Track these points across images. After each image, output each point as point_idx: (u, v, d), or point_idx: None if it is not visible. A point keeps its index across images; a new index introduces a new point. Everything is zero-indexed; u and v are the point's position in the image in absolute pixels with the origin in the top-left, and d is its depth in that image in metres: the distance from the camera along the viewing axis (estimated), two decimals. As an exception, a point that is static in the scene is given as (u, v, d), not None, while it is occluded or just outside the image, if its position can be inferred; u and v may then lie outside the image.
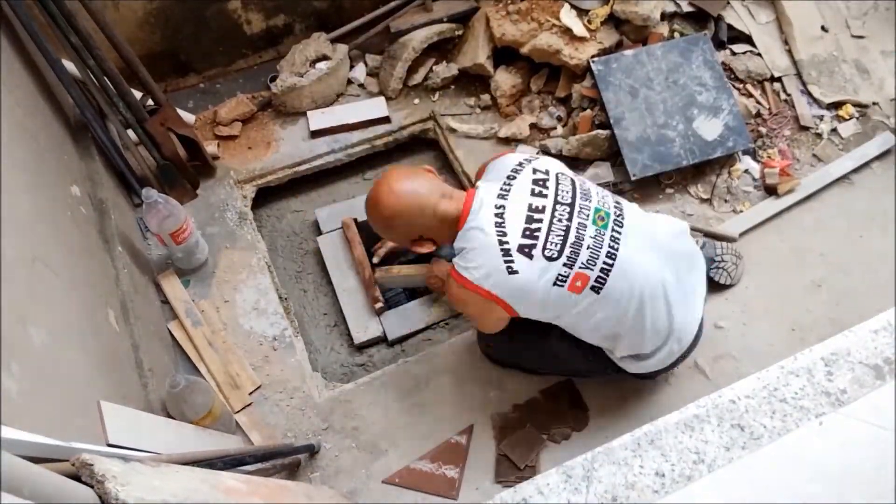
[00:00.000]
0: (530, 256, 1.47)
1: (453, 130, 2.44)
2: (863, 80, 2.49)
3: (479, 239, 1.50)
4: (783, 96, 2.44)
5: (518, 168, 1.58)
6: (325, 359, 2.12)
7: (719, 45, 2.42)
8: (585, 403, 1.87)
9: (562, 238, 1.49)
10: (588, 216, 1.52)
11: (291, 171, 2.37)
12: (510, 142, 2.39)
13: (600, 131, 2.25)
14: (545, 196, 1.52)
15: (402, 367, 1.96)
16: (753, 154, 2.33)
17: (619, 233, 1.53)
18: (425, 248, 1.64)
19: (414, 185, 1.58)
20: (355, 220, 2.24)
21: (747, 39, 2.46)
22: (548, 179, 1.56)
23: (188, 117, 2.34)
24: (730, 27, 2.45)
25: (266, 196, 2.40)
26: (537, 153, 2.35)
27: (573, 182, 1.58)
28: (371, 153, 2.46)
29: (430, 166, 1.72)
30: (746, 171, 2.30)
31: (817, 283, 2.10)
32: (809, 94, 2.44)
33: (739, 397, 1.27)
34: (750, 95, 2.41)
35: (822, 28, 2.52)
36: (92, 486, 0.78)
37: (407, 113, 2.48)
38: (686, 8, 2.40)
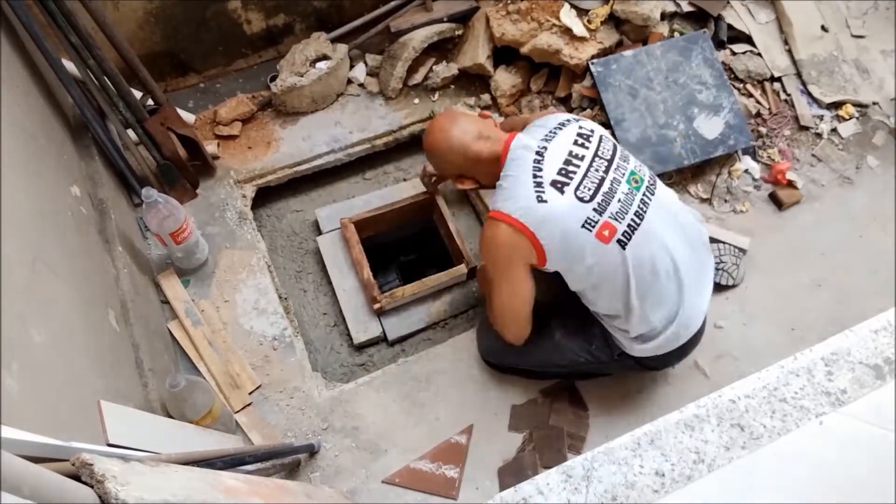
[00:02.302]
0: (562, 192, 1.51)
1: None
2: (863, 79, 2.49)
3: (514, 173, 1.56)
4: (783, 96, 2.44)
5: (565, 122, 1.63)
6: (324, 358, 2.12)
7: (719, 44, 2.42)
8: (585, 403, 1.87)
9: (596, 185, 1.53)
10: (624, 175, 1.57)
11: (291, 171, 2.37)
12: (510, 141, 2.39)
13: (600, 131, 2.25)
14: (587, 147, 1.58)
15: (402, 366, 1.96)
16: (753, 154, 2.33)
17: (650, 199, 1.58)
18: (466, 185, 1.74)
19: (453, 126, 1.68)
20: (353, 220, 2.25)
21: (747, 39, 2.46)
22: (591, 136, 1.61)
23: (188, 117, 2.34)
24: (730, 27, 2.45)
25: (266, 196, 2.40)
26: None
27: (615, 145, 1.64)
28: (371, 153, 2.46)
29: (487, 111, 1.85)
30: (746, 170, 2.30)
31: (817, 282, 2.10)
32: (809, 94, 2.45)
33: (739, 397, 1.27)
34: (750, 95, 2.41)
35: (822, 28, 2.52)
36: (92, 486, 0.78)
37: (407, 113, 2.48)
38: (686, 8, 2.40)
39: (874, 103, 2.46)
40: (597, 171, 1.54)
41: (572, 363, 1.82)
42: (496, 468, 1.77)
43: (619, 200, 1.53)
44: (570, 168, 1.53)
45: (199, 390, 1.62)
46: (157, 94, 2.06)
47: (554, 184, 1.51)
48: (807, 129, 2.40)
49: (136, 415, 1.46)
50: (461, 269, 2.15)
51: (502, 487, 1.73)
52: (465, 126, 1.67)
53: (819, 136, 2.40)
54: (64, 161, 1.79)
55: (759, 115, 2.38)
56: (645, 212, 1.55)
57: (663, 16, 2.37)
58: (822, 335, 1.45)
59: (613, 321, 1.67)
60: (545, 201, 1.50)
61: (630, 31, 2.35)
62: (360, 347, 2.12)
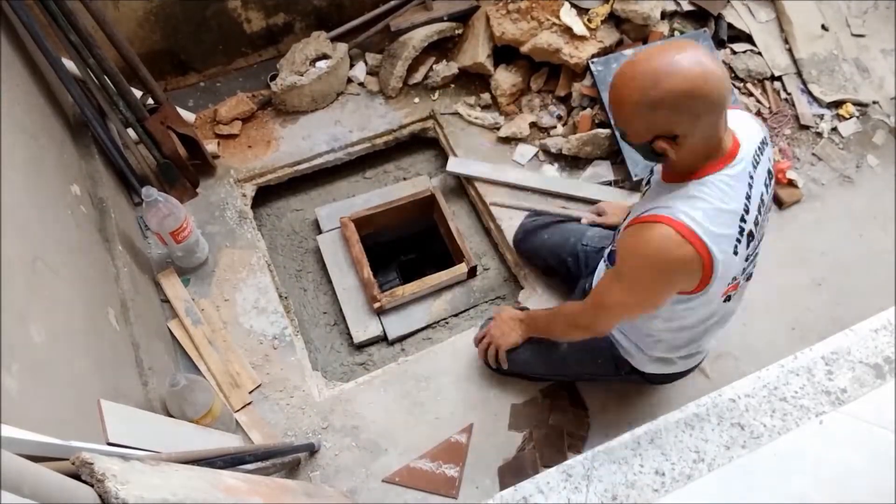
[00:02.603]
0: (747, 246, 1.29)
1: (459, 116, 2.43)
2: (863, 78, 2.49)
3: (726, 192, 1.23)
4: (783, 95, 2.44)
5: (763, 144, 1.33)
6: (324, 358, 2.12)
7: (719, 43, 2.42)
8: (585, 403, 1.87)
9: (757, 243, 1.35)
10: (765, 225, 1.39)
11: (291, 170, 2.37)
12: (510, 141, 2.39)
13: (600, 130, 2.25)
14: (767, 187, 1.33)
15: (402, 366, 1.96)
16: (754, 153, 2.33)
17: (758, 253, 1.42)
18: (667, 148, 1.21)
19: (726, 79, 1.16)
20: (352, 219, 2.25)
21: (747, 38, 2.46)
22: (771, 170, 1.36)
23: (188, 116, 2.34)
24: (730, 26, 2.45)
25: (266, 195, 2.40)
26: (537, 152, 2.35)
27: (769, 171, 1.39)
28: (371, 152, 2.46)
29: None
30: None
31: (818, 281, 2.10)
32: (809, 93, 2.44)
33: (739, 396, 1.27)
34: (750, 94, 2.41)
35: (823, 27, 2.52)
36: (92, 485, 0.78)
37: (407, 112, 2.48)
38: (686, 7, 2.40)
39: (874, 102, 2.46)
40: (761, 225, 1.34)
41: (576, 375, 1.84)
42: (496, 467, 1.77)
43: (750, 258, 1.36)
44: (760, 219, 1.31)
45: (199, 389, 1.62)
46: (157, 93, 2.06)
47: (749, 235, 1.27)
48: (807, 128, 2.40)
49: (136, 414, 1.46)
50: (461, 268, 2.15)
51: (502, 486, 1.73)
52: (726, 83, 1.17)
53: (819, 135, 2.40)
54: (64, 160, 1.79)
55: (759, 114, 2.38)
56: (754, 267, 1.42)
57: (663, 15, 2.37)
58: (822, 334, 1.45)
59: (651, 342, 1.57)
60: (736, 254, 1.26)
61: (630, 30, 2.35)
62: (360, 346, 2.12)
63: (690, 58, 1.12)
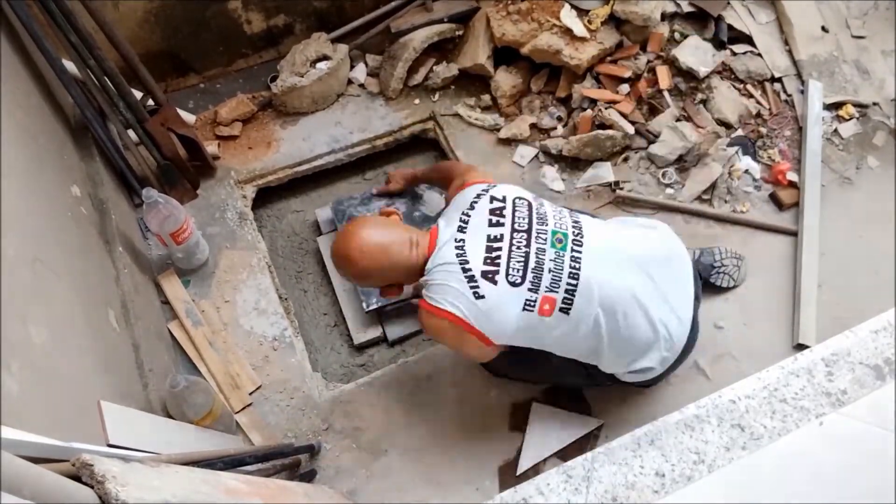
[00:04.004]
0: (494, 282, 1.49)
1: (459, 117, 2.44)
2: (863, 80, 2.49)
3: (444, 271, 1.52)
4: (783, 96, 2.44)
5: (476, 200, 1.61)
6: (325, 359, 2.12)
7: (720, 45, 2.42)
8: (588, 403, 1.87)
9: (522, 264, 1.51)
10: (546, 240, 1.54)
11: (292, 171, 2.37)
12: (511, 142, 2.39)
13: (601, 131, 2.25)
14: (502, 225, 1.55)
15: (402, 367, 1.96)
16: (754, 154, 2.33)
17: (580, 252, 1.54)
18: (394, 293, 1.70)
19: (383, 240, 1.59)
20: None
21: (747, 40, 2.46)
22: (504, 207, 1.58)
23: (188, 117, 2.34)
24: (730, 27, 2.44)
25: (266, 196, 2.40)
26: (537, 154, 2.35)
27: (530, 206, 1.60)
28: (371, 153, 2.46)
29: (391, 208, 1.77)
30: (747, 171, 2.30)
31: (818, 283, 2.10)
32: (810, 95, 2.44)
33: (740, 397, 1.27)
34: (750, 96, 2.41)
35: (823, 28, 2.52)
36: (92, 487, 0.78)
37: (407, 113, 2.48)
38: (686, 8, 2.40)
39: (874, 104, 2.45)
40: (518, 248, 1.52)
41: (572, 383, 1.85)
42: (496, 468, 1.77)
43: (550, 270, 1.51)
44: (493, 254, 1.51)
45: (200, 391, 1.62)
46: (157, 95, 2.06)
47: (484, 275, 1.49)
48: (807, 129, 2.40)
49: (136, 415, 1.46)
50: (461, 269, 2.15)
51: (502, 487, 1.73)
52: (397, 237, 1.59)
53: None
54: (64, 161, 1.79)
55: (759, 115, 2.38)
56: (578, 269, 1.52)
57: (664, 16, 2.37)
58: (822, 336, 1.45)
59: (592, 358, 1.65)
60: (482, 296, 1.48)
61: (630, 32, 2.35)
62: (361, 348, 2.12)
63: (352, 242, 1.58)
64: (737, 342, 1.98)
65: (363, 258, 1.57)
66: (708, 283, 2.02)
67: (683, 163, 2.27)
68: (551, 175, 2.31)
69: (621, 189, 2.25)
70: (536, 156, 2.36)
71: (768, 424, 1.22)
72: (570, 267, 1.52)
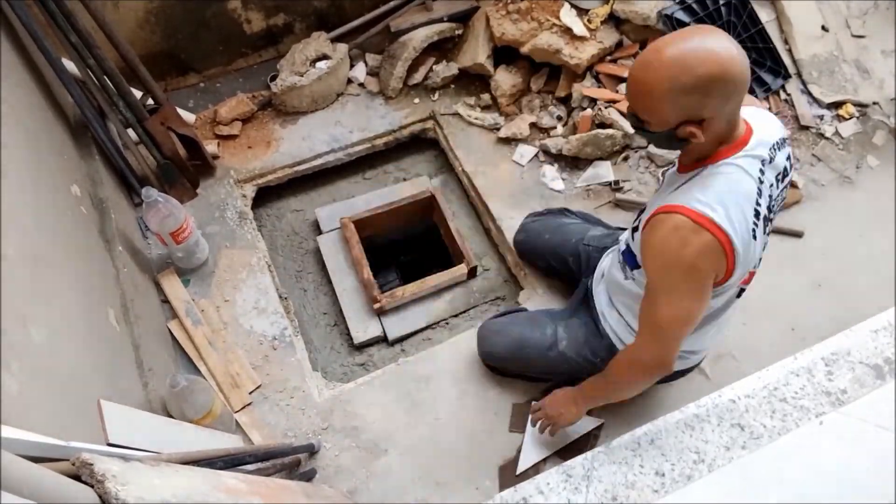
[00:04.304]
0: (764, 231, 1.30)
1: (459, 117, 2.43)
2: (863, 79, 2.49)
3: (736, 178, 1.24)
4: (783, 96, 2.44)
5: (780, 143, 1.33)
6: (325, 358, 2.12)
7: (719, 44, 2.41)
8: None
9: (769, 228, 1.35)
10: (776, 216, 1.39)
11: (291, 171, 2.37)
12: (510, 141, 2.39)
13: (600, 131, 2.25)
14: (781, 183, 1.35)
15: (401, 366, 1.96)
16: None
17: (766, 242, 1.39)
18: (695, 131, 1.20)
19: (748, 62, 1.17)
20: (352, 219, 2.25)
21: (747, 39, 2.46)
22: (788, 171, 1.36)
23: (188, 116, 2.34)
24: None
25: (266, 195, 2.40)
26: (537, 153, 2.35)
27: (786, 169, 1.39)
28: (371, 152, 2.46)
29: None
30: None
31: (818, 282, 2.10)
32: (810, 94, 2.44)
33: (739, 397, 1.27)
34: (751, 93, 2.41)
35: (823, 28, 2.52)
36: (92, 486, 0.78)
37: (407, 112, 2.48)
38: (686, 7, 2.40)
39: (874, 103, 2.46)
40: (774, 212, 1.35)
41: (576, 373, 1.78)
42: (496, 468, 1.77)
43: (764, 247, 1.35)
44: (773, 205, 1.33)
45: (200, 390, 1.62)
46: (157, 94, 2.06)
47: (765, 220, 1.28)
48: (807, 128, 2.40)
49: (136, 414, 1.46)
50: (461, 268, 2.15)
51: (502, 486, 1.73)
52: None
53: (819, 135, 2.40)
54: (64, 160, 1.79)
55: (759, 114, 2.38)
56: (761, 258, 1.38)
57: (663, 15, 2.37)
58: (822, 335, 1.45)
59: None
60: (755, 238, 1.26)
61: (630, 31, 2.35)
62: (361, 347, 2.12)
63: (718, 42, 1.13)
64: (737, 342, 1.97)
65: (734, 61, 1.13)
66: None
67: (683, 162, 2.27)
68: (551, 174, 2.31)
69: (621, 188, 2.25)
70: (536, 155, 2.36)
71: (768, 424, 1.22)
72: (762, 252, 1.37)
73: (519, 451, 1.79)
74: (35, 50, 1.80)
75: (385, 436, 1.82)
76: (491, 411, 1.86)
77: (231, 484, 1.08)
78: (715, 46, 1.13)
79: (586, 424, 1.81)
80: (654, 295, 1.32)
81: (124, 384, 1.56)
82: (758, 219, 1.25)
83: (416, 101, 2.51)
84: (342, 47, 2.46)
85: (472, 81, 2.54)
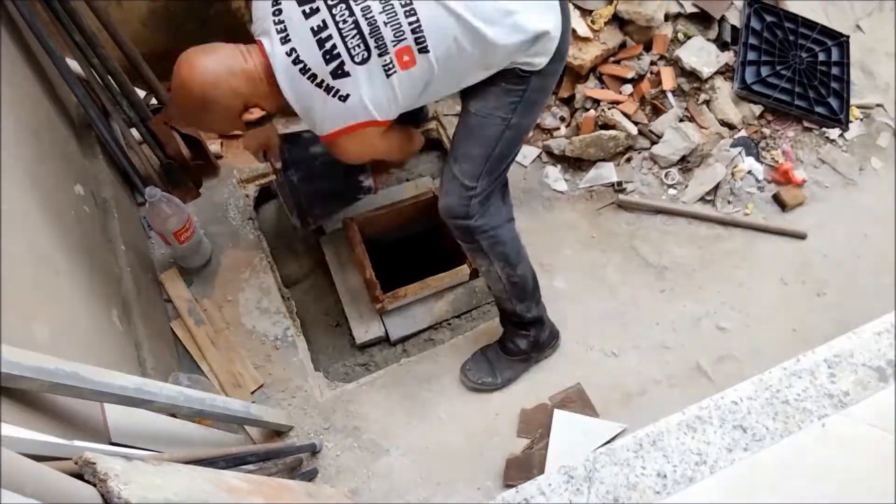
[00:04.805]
0: (346, 74, 1.39)
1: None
2: (868, 81, 2.48)
3: (303, 92, 1.44)
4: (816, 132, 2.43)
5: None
6: (327, 358, 2.12)
7: (723, 46, 2.41)
8: (592, 404, 1.87)
9: (357, 34, 1.38)
10: None
11: (294, 171, 2.36)
12: (513, 142, 2.38)
13: (604, 132, 2.24)
14: (317, 8, 1.41)
15: (404, 366, 1.96)
16: (757, 155, 2.33)
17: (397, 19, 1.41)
18: (255, 115, 1.52)
19: (214, 54, 1.48)
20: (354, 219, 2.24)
21: (751, 40, 2.46)
22: None
23: (191, 116, 2.34)
24: (733, 28, 2.44)
25: (269, 195, 2.40)
26: (540, 154, 2.35)
27: None
28: (374, 153, 2.45)
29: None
30: (749, 172, 2.29)
31: (820, 284, 2.10)
32: (813, 95, 2.44)
33: (742, 399, 1.26)
34: (753, 96, 2.40)
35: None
36: (94, 485, 0.78)
37: (410, 113, 2.48)
38: (690, 9, 2.40)
39: (878, 105, 2.45)
40: (344, 21, 1.38)
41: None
42: (498, 468, 1.77)
43: (386, 23, 1.38)
44: (328, 45, 1.38)
45: (202, 389, 1.62)
46: (160, 93, 2.06)
47: (335, 74, 1.39)
48: (811, 130, 2.40)
49: (138, 414, 1.46)
50: (463, 269, 2.15)
51: (507, 479, 1.73)
52: (224, 48, 1.51)
53: (823, 138, 2.39)
54: (67, 160, 1.79)
55: (762, 116, 2.38)
56: (412, 6, 1.39)
57: (667, 17, 2.36)
58: (824, 337, 1.44)
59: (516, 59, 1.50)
60: (347, 95, 1.40)
61: (634, 32, 2.35)
62: (363, 347, 2.12)
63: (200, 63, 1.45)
64: (739, 344, 1.97)
65: (198, 74, 1.43)
66: None
67: (686, 163, 2.27)
68: (554, 175, 2.31)
69: (623, 190, 2.25)
70: (539, 156, 2.36)
71: (770, 426, 1.22)
72: (404, 9, 1.40)
73: (521, 452, 1.79)
74: (39, 49, 1.80)
75: (386, 436, 1.83)
76: (492, 412, 1.86)
77: (233, 483, 1.08)
78: (185, 78, 1.43)
79: (610, 430, 1.80)
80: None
81: (127, 383, 1.56)
82: (329, 89, 1.40)
83: (419, 101, 2.50)
84: (345, 47, 2.45)
85: (475, 82, 2.53)
